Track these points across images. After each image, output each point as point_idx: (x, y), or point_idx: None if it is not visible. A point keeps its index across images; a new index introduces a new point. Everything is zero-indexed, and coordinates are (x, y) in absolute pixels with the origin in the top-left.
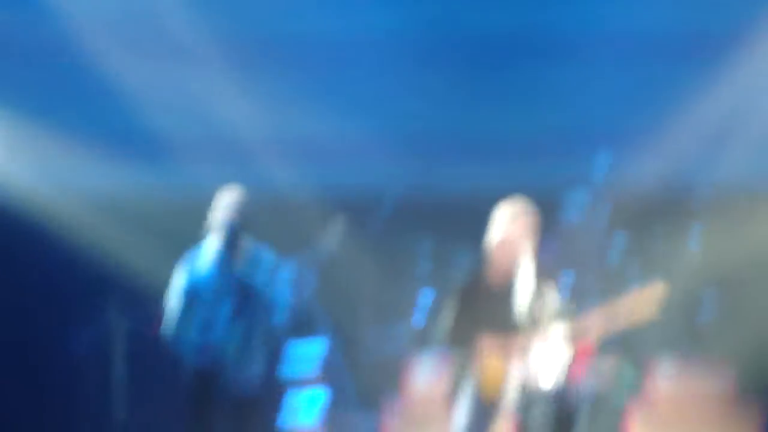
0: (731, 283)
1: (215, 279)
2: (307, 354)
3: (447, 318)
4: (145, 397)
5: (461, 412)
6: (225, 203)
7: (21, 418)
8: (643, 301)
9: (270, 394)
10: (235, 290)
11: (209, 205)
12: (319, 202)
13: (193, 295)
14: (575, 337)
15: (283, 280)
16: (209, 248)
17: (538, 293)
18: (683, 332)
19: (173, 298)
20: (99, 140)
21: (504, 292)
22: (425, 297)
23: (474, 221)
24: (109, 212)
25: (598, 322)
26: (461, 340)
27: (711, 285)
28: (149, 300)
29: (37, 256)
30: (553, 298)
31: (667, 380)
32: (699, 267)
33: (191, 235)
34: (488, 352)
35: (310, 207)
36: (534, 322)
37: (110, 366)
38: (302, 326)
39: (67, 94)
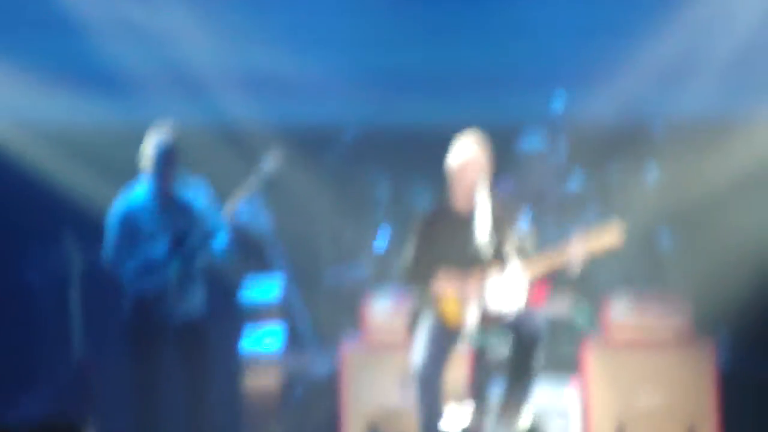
0: (688, 218)
1: (150, 214)
2: (264, 289)
3: (407, 251)
4: (101, 328)
5: (419, 346)
6: (155, 141)
7: None
8: (601, 238)
9: (218, 322)
10: (170, 224)
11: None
12: (277, 137)
13: (129, 229)
14: (533, 272)
15: (218, 211)
16: (143, 185)
17: (498, 226)
18: (639, 267)
19: (110, 234)
20: (55, 73)
21: (464, 225)
22: (383, 232)
23: (431, 156)
24: (65, 145)
25: (556, 256)
26: (421, 274)
27: (667, 220)
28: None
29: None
30: (512, 231)
31: (622, 314)
32: (655, 202)
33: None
34: (447, 285)
35: (268, 141)
36: (493, 254)
37: (66, 297)
38: (259, 261)
39: (24, 26)
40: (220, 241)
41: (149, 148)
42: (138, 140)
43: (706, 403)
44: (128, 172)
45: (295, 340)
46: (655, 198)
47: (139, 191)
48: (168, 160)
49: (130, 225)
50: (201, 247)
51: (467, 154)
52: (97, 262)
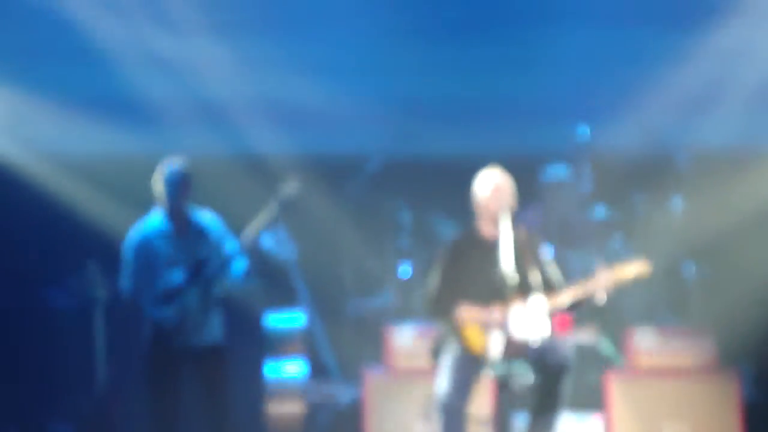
0: (712, 250)
1: (166, 241)
2: (287, 318)
3: (432, 280)
4: (124, 358)
5: (444, 375)
6: (167, 170)
7: (6, 372)
8: (627, 270)
9: (241, 350)
10: (187, 251)
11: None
12: (300, 167)
13: (145, 257)
14: (556, 308)
15: (236, 237)
16: (157, 214)
17: (522, 255)
18: (663, 299)
19: (126, 264)
20: (82, 104)
21: (489, 254)
22: (405, 267)
23: (454, 187)
24: (91, 176)
25: (581, 287)
26: (446, 303)
27: (692, 252)
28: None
29: (20, 216)
30: (536, 261)
31: (646, 345)
32: (680, 234)
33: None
34: (471, 313)
35: (291, 172)
36: (518, 283)
37: (91, 325)
38: (283, 290)
39: (47, 56)
40: (239, 267)
41: (161, 177)
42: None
43: None
44: (152, 202)
45: (318, 369)
46: (679, 229)
47: (154, 220)
48: (181, 187)
49: (146, 253)
50: (219, 273)
51: (495, 182)
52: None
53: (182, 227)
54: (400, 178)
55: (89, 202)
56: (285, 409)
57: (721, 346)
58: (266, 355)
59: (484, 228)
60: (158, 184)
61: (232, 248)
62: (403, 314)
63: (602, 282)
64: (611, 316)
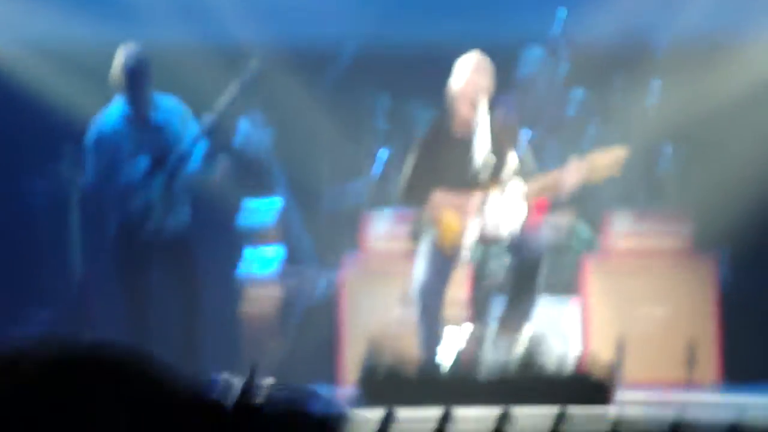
0: (689, 137)
1: (126, 135)
2: (262, 210)
3: (406, 170)
4: (98, 247)
5: (419, 266)
6: (122, 59)
7: None
8: (601, 161)
9: (215, 244)
10: (148, 144)
11: (159, 57)
12: (274, 56)
13: (105, 152)
14: (532, 191)
15: (195, 127)
16: (115, 109)
17: (497, 146)
18: (640, 185)
19: (87, 158)
20: None
21: (463, 145)
22: (382, 153)
23: (431, 77)
24: (63, 64)
25: (554, 177)
26: (419, 193)
27: (669, 139)
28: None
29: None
30: (511, 152)
31: (623, 232)
32: (657, 121)
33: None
34: (445, 203)
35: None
36: (492, 174)
37: (66, 210)
38: (258, 180)
39: None
40: (199, 151)
41: (118, 64)
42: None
43: (706, 319)
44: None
45: (293, 261)
46: (656, 116)
47: (114, 110)
48: (137, 78)
49: (106, 146)
50: (183, 161)
51: (468, 74)
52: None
53: (143, 116)
54: (378, 64)
55: (63, 88)
56: (260, 302)
57: (698, 230)
58: (241, 249)
59: (457, 121)
60: (116, 72)
61: (194, 136)
62: (380, 200)
63: (576, 172)
64: (588, 200)
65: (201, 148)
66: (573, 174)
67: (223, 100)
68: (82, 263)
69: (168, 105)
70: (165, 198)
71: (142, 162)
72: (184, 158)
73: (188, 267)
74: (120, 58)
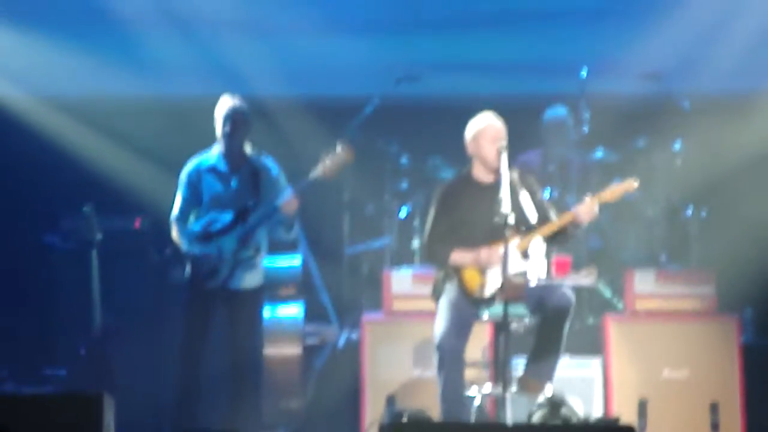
0: (713, 196)
1: (211, 186)
2: (285, 260)
3: (427, 223)
4: (120, 298)
5: (441, 317)
6: (224, 112)
7: None
8: (616, 193)
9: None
10: (231, 199)
11: (188, 112)
12: (300, 111)
13: (195, 188)
14: (548, 230)
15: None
16: (212, 155)
17: (518, 201)
18: (663, 245)
19: (178, 192)
20: (79, 45)
21: (485, 194)
22: (403, 212)
23: (453, 134)
24: (89, 117)
25: (574, 214)
26: (442, 245)
27: (692, 197)
28: (127, 202)
29: (15, 159)
30: (534, 201)
31: (646, 288)
32: (681, 177)
33: (167, 141)
34: (468, 256)
35: (293, 116)
36: (515, 224)
37: (86, 268)
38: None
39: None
40: (282, 218)
41: (218, 113)
42: (158, 113)
43: (729, 378)
44: (148, 144)
45: (315, 312)
46: (679, 172)
47: (211, 155)
48: (236, 124)
49: (195, 186)
50: (264, 221)
51: (486, 123)
52: (117, 233)
53: (236, 167)
54: (399, 121)
55: (86, 145)
56: (282, 350)
57: (721, 290)
58: (264, 297)
59: (477, 170)
60: (217, 119)
61: (281, 199)
62: (401, 258)
63: (588, 204)
64: (610, 259)
65: (286, 217)
66: (588, 207)
67: (313, 174)
68: (101, 319)
69: (264, 162)
70: (238, 253)
71: (225, 213)
72: (266, 218)
73: (246, 323)
74: (222, 106)
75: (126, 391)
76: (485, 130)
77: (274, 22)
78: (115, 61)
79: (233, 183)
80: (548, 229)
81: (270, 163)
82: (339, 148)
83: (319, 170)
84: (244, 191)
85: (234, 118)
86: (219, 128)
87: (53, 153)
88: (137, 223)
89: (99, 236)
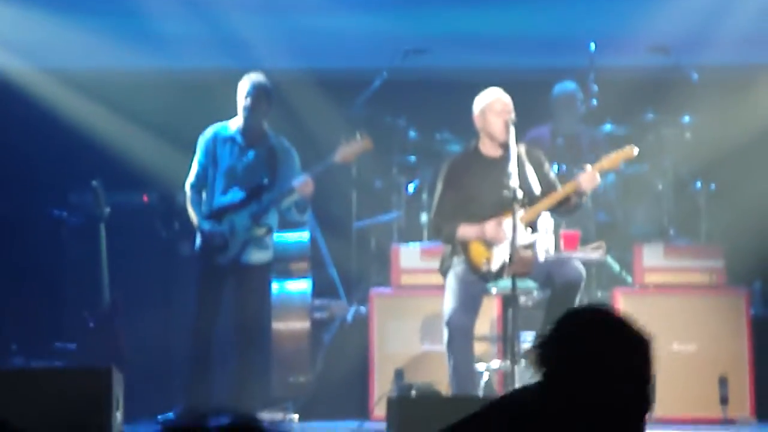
0: (722, 170)
1: (227, 157)
2: (291, 243)
3: (435, 199)
4: (129, 273)
5: (450, 292)
6: (247, 88)
7: (8, 289)
8: (616, 160)
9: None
10: (244, 174)
11: (195, 86)
12: (308, 85)
13: (212, 157)
14: (551, 201)
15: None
16: (231, 125)
17: (526, 176)
18: (672, 219)
19: (195, 160)
20: (87, 18)
21: (492, 169)
22: (411, 186)
23: (461, 108)
24: (98, 91)
25: (575, 184)
26: (446, 226)
27: (701, 171)
28: (135, 177)
29: (27, 130)
30: (541, 175)
31: (655, 262)
32: (689, 153)
33: (175, 116)
34: (476, 230)
35: (301, 90)
36: (522, 198)
37: (94, 243)
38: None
39: None
40: (295, 202)
41: (241, 88)
42: (167, 88)
43: (738, 351)
44: (156, 119)
45: (322, 287)
46: (689, 146)
47: (230, 125)
48: (260, 96)
49: (211, 154)
50: (276, 202)
51: (494, 97)
52: (125, 207)
53: (253, 141)
54: (407, 95)
55: (94, 119)
56: (290, 325)
57: (730, 264)
58: (271, 274)
59: (485, 145)
60: (239, 94)
61: (298, 181)
62: (409, 232)
63: (589, 172)
64: (619, 234)
65: (298, 201)
66: (590, 175)
67: (330, 160)
68: (110, 294)
69: (280, 144)
70: (249, 230)
71: (237, 190)
72: (280, 198)
73: (256, 297)
74: (246, 80)
75: (135, 365)
76: (492, 103)
77: None
78: (124, 35)
79: (249, 156)
80: (552, 199)
81: (287, 143)
82: (358, 136)
83: (337, 155)
84: (259, 167)
85: (255, 93)
86: (240, 101)
87: (61, 127)
88: (145, 198)
89: (107, 210)
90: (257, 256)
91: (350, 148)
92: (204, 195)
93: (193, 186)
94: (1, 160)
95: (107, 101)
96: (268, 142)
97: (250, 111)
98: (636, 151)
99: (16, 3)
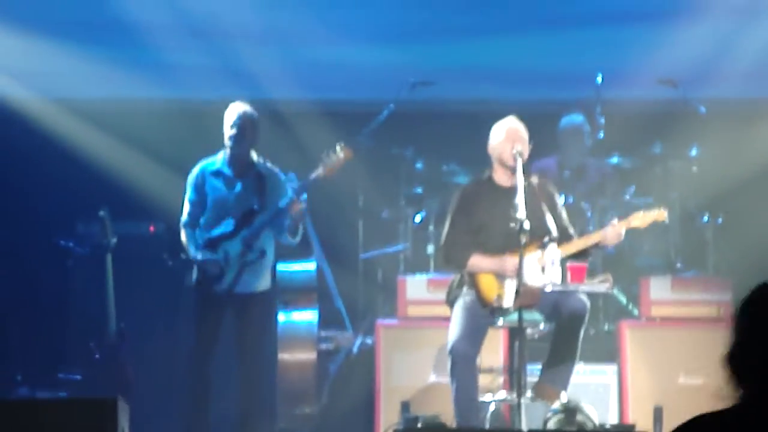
0: (729, 202)
1: (216, 190)
2: (298, 273)
3: (445, 228)
4: (135, 302)
5: (456, 322)
6: (232, 118)
7: (14, 319)
8: (643, 217)
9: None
10: (235, 204)
11: (203, 116)
12: (315, 116)
13: (201, 193)
14: (573, 248)
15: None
16: (217, 159)
17: (537, 202)
18: (679, 251)
19: (186, 196)
20: (96, 51)
21: (503, 200)
22: (418, 217)
23: (468, 139)
24: (105, 121)
25: (594, 238)
26: (456, 255)
27: (708, 204)
28: (142, 207)
29: (34, 160)
30: (551, 207)
31: (662, 294)
32: (696, 185)
33: (182, 146)
34: (484, 261)
35: (308, 121)
36: (532, 230)
37: (101, 272)
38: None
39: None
40: (285, 224)
41: (227, 118)
42: (173, 118)
43: None
44: (163, 149)
45: (328, 318)
46: (696, 179)
47: (216, 159)
48: (246, 127)
49: (200, 190)
50: (268, 226)
51: (507, 129)
52: (132, 237)
53: (241, 172)
54: (414, 126)
55: (101, 149)
56: (296, 356)
57: (738, 297)
58: (278, 305)
59: (497, 175)
60: (225, 125)
61: (284, 201)
62: (415, 263)
63: (616, 228)
64: (626, 266)
65: (286, 216)
66: (615, 231)
67: (314, 174)
68: (116, 323)
69: (267, 169)
70: (243, 257)
71: (228, 219)
72: (270, 220)
73: (254, 327)
74: (231, 111)
75: (140, 395)
76: (505, 132)
77: (289, 27)
78: (132, 65)
79: (237, 187)
80: (572, 247)
81: (275, 170)
82: (338, 148)
83: (320, 170)
84: (249, 196)
85: (241, 123)
86: (227, 133)
87: (68, 157)
88: (152, 228)
89: (114, 240)
90: (254, 284)
91: (332, 161)
92: (197, 231)
93: (186, 224)
94: (9, 188)
95: (115, 131)
96: (256, 169)
97: (235, 141)
98: (666, 214)
99: (25, 33)
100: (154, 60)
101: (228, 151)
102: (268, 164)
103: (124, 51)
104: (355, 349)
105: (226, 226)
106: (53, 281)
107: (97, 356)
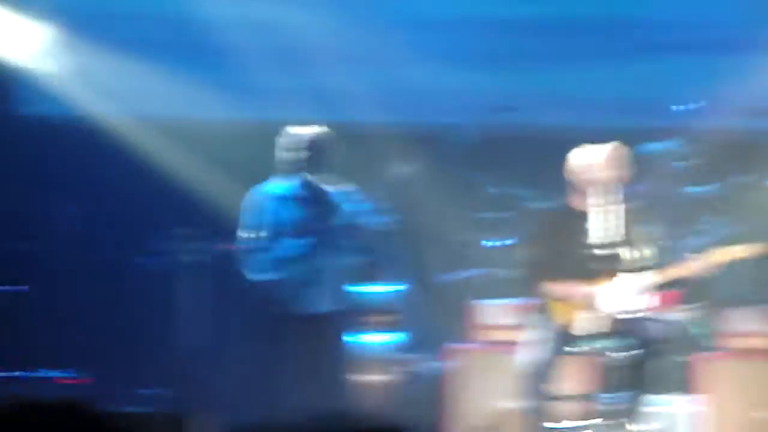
0: None
1: (289, 213)
2: (375, 296)
3: (527, 253)
4: (213, 318)
5: (530, 346)
6: (299, 140)
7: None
8: (724, 259)
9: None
10: (304, 226)
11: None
12: (394, 138)
13: (269, 216)
14: (660, 278)
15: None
16: (283, 184)
17: (625, 234)
18: (762, 283)
19: (245, 233)
20: (181, 71)
21: (584, 231)
22: (493, 242)
23: (545, 164)
24: (187, 140)
25: (685, 270)
26: (536, 281)
27: None
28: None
29: (115, 176)
30: (636, 234)
31: (743, 325)
32: None
33: (260, 169)
34: (565, 288)
35: (387, 143)
36: (611, 263)
37: (180, 286)
38: (378, 269)
39: (150, 22)
40: (355, 255)
41: (296, 139)
42: (256, 138)
43: None
44: (243, 169)
45: (404, 340)
46: None
47: (284, 180)
48: (313, 149)
49: (266, 211)
50: (340, 246)
51: (599, 152)
52: (209, 256)
53: (307, 194)
54: (492, 151)
55: (181, 167)
56: (370, 378)
57: None
58: (353, 326)
59: (581, 201)
60: (301, 146)
61: (358, 222)
62: (489, 288)
63: (707, 261)
64: (707, 296)
65: (360, 244)
66: (695, 266)
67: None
68: (190, 340)
69: (343, 188)
70: (313, 278)
71: (300, 240)
72: (334, 241)
73: (327, 347)
74: (299, 134)
75: (219, 412)
76: (597, 158)
77: (374, 50)
78: (219, 85)
79: (303, 210)
80: (665, 276)
81: (338, 188)
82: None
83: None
84: (314, 218)
85: (309, 146)
86: (294, 155)
87: (149, 174)
88: (230, 247)
89: (191, 258)
90: (323, 305)
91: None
92: (267, 252)
93: (252, 247)
94: (89, 205)
95: (197, 150)
96: (320, 190)
97: (303, 164)
98: (747, 252)
99: (113, 52)
100: (239, 82)
101: (295, 173)
102: (340, 186)
103: (211, 71)
104: (427, 373)
105: (293, 247)
106: (129, 297)
107: (174, 373)
